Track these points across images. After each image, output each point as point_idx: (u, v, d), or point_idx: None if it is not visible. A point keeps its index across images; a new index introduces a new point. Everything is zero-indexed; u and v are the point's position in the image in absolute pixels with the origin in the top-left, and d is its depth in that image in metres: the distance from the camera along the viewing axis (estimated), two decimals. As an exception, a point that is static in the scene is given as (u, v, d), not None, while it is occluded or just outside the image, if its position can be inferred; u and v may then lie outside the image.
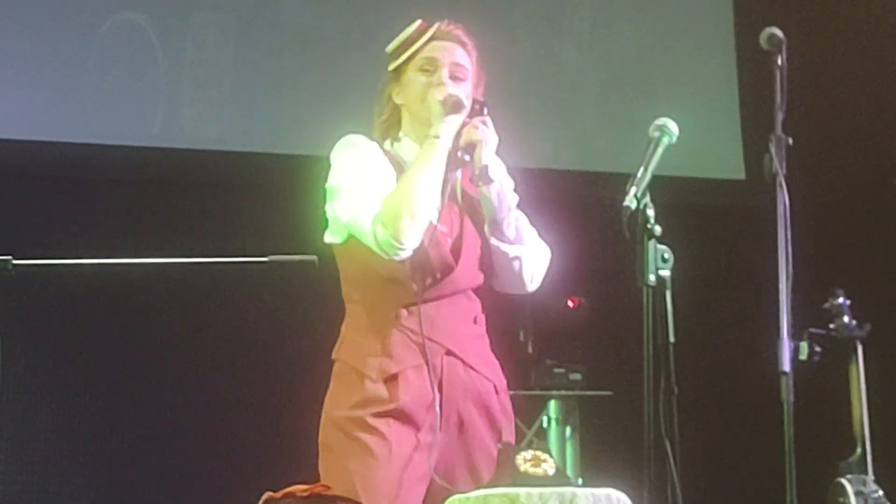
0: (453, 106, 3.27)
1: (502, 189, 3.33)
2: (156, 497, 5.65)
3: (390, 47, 3.39)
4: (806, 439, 3.29)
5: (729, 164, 6.58)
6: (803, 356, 3.29)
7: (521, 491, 3.01)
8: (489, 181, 3.28)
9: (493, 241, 3.35)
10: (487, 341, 3.39)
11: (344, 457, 3.17)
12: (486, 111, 3.32)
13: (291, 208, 4.97)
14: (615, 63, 6.49)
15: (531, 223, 3.43)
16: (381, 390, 3.19)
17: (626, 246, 2.99)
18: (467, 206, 3.37)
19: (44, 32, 5.75)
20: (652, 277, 2.95)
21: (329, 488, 2.88)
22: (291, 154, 5.77)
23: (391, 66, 3.39)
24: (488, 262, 3.36)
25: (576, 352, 6.14)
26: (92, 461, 5.61)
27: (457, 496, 3.04)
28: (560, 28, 6.45)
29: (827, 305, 4.76)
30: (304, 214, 3.87)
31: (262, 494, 3.08)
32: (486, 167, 3.26)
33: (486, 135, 3.27)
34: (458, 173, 3.33)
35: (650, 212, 2.96)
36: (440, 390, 3.22)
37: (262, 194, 5.83)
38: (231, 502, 3.35)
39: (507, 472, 3.15)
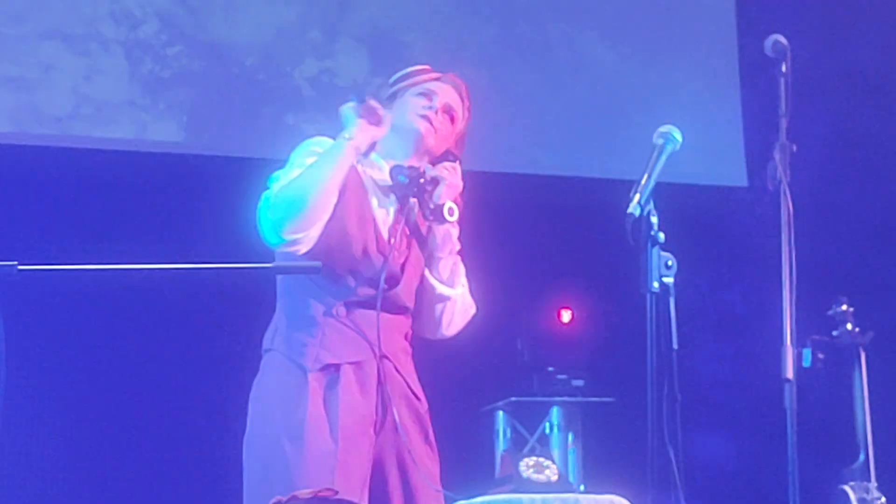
0: (366, 110, 3.27)
1: (449, 231, 3.35)
2: (158, 499, 5.65)
3: (393, 77, 3.44)
4: (809, 446, 3.29)
5: (731, 172, 6.58)
6: (806, 363, 3.29)
7: (525, 496, 3.02)
8: (442, 221, 3.31)
9: (426, 273, 3.36)
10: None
11: (282, 449, 3.12)
12: (459, 162, 3.38)
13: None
14: (618, 69, 6.50)
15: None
16: (323, 384, 3.17)
17: (629, 252, 2.99)
18: (416, 236, 3.38)
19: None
20: (655, 284, 2.95)
21: (336, 493, 2.86)
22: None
23: (389, 92, 3.42)
24: (419, 294, 3.37)
25: (578, 358, 6.14)
26: (94, 463, 5.62)
27: (461, 502, 3.05)
28: (564, 34, 6.46)
29: (830, 312, 4.78)
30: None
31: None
32: (441, 206, 3.30)
33: (453, 177, 3.32)
34: (416, 204, 3.35)
35: (654, 219, 2.96)
36: (380, 390, 3.19)
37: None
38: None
39: (510, 478, 3.16)
